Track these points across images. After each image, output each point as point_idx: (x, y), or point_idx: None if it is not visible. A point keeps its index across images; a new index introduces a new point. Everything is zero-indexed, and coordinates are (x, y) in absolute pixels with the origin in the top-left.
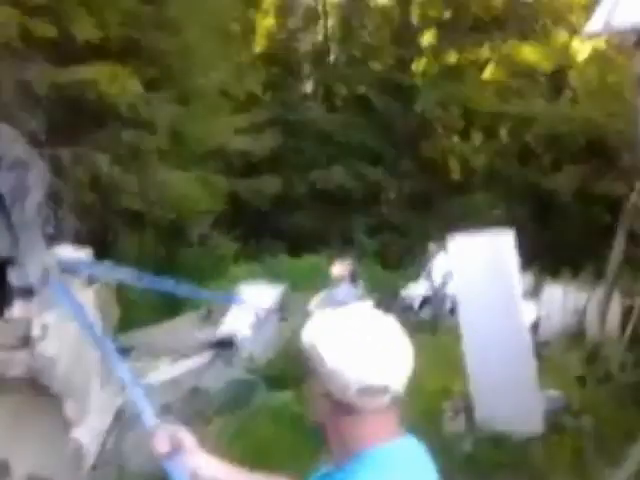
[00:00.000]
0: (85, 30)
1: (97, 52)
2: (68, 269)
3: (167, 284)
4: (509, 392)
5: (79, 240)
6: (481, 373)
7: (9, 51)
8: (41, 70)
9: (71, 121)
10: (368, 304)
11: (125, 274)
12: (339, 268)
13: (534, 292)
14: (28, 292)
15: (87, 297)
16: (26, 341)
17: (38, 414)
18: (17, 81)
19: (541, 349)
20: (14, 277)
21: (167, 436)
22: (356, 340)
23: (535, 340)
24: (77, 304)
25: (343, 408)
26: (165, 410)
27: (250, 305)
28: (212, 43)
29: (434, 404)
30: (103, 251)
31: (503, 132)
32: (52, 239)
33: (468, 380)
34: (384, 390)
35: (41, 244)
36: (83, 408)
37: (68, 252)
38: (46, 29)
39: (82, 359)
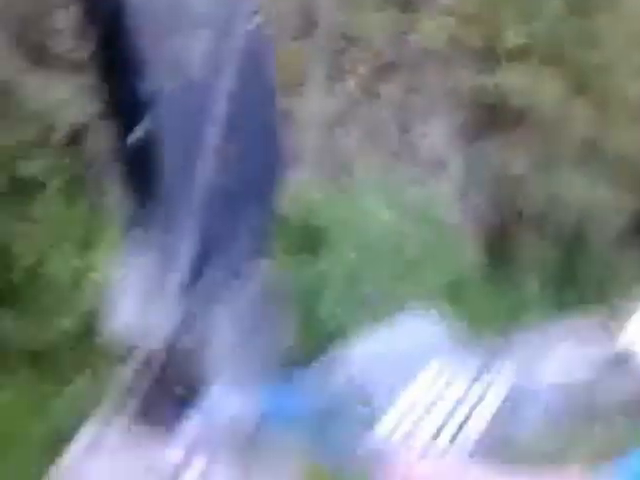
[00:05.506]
0: (513, 36)
1: (519, 57)
2: None
3: None
4: None
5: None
6: None
7: (438, 58)
8: (464, 75)
9: (486, 124)
10: None
11: None
12: None
13: None
14: None
15: None
16: None
17: None
18: (441, 85)
19: None
20: None
21: None
22: None
23: None
24: None
25: None
26: None
27: None
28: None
29: None
30: None
31: None
32: None
33: None
34: None
35: None
36: None
37: None
38: (473, 37)
39: None
